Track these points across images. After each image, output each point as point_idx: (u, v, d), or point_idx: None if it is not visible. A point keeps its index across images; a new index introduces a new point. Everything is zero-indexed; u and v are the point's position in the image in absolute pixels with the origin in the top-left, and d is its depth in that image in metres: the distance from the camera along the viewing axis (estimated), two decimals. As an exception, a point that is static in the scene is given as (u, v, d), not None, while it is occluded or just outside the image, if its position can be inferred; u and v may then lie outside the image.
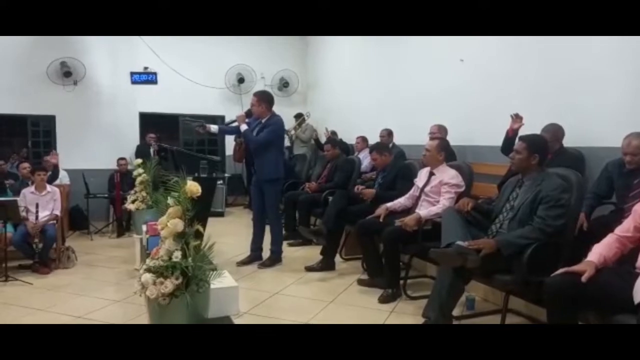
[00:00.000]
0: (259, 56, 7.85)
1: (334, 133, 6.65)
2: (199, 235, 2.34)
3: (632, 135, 2.75)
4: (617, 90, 3.16)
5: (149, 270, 2.27)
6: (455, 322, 2.76)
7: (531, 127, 3.25)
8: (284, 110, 7.69)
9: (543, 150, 2.60)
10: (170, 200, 2.36)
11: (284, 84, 8.02)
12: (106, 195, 6.54)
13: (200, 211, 3.03)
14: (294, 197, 5.02)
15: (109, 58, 7.04)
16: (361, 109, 6.62)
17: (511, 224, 2.53)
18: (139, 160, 4.78)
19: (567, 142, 3.36)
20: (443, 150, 3.33)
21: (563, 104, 3.52)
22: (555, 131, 3.32)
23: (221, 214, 6.91)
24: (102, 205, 6.71)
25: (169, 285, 2.14)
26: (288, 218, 5.13)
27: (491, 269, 2.46)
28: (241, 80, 7.64)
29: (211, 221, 6.29)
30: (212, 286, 2.36)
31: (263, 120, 3.97)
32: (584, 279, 1.89)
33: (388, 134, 5.36)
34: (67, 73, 6.65)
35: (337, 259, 4.13)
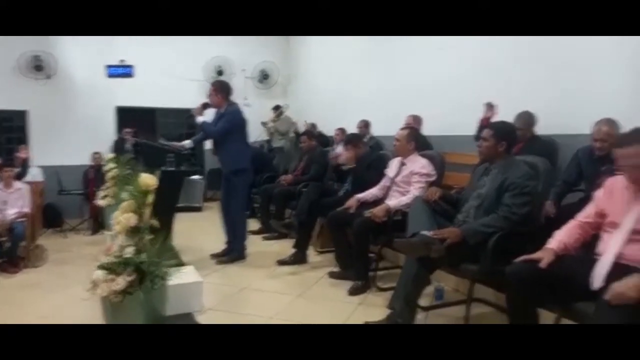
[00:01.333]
0: (239, 48, 7.73)
1: (313, 125, 6.58)
2: (155, 230, 2.27)
3: (601, 122, 2.73)
4: (594, 78, 3.14)
5: (102, 267, 2.20)
6: (422, 313, 2.72)
7: (505, 115, 3.21)
8: (264, 102, 7.67)
9: (510, 138, 2.55)
10: (124, 194, 2.29)
11: (264, 76, 7.91)
12: (81, 192, 6.41)
13: (163, 205, 2.96)
14: (269, 190, 4.95)
15: (83, 51, 6.86)
16: (341, 100, 6.56)
17: (478, 212, 2.48)
18: (111, 155, 4.69)
19: (541, 129, 3.34)
20: (413, 139, 3.27)
21: (537, 92, 3.49)
22: (527, 119, 3.30)
23: (199, 209, 6.82)
24: (77, 202, 6.59)
25: (120, 282, 2.08)
26: (263, 211, 5.06)
27: (457, 259, 2.41)
28: (220, 72, 7.52)
29: (188, 216, 6.29)
30: (173, 282, 2.29)
31: (221, 111, 3.88)
32: (542, 265, 1.86)
33: (365, 125, 5.31)
34: (38, 67, 6.48)
35: (311, 252, 4.08)
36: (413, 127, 3.65)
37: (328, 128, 6.35)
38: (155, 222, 2.19)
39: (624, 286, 1.56)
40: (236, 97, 7.40)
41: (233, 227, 4.02)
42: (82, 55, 6.91)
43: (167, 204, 3.26)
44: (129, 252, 2.07)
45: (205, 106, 3.94)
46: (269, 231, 4.82)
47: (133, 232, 2.15)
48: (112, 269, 2.10)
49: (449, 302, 2.94)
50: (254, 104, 7.69)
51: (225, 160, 3.94)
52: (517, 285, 1.91)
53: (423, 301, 2.86)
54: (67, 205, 6.39)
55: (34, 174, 6.32)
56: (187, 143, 3.96)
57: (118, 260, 2.08)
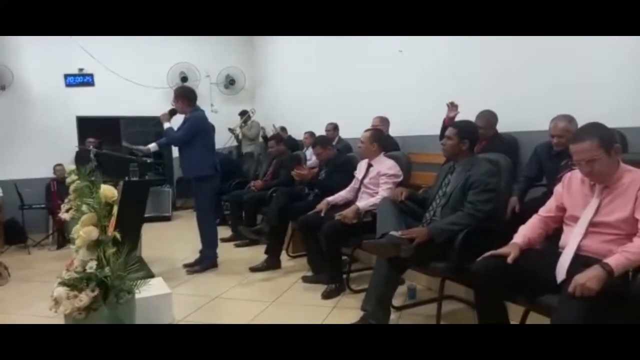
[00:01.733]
0: (203, 54, 7.62)
1: (283, 129, 6.55)
2: (120, 243, 2.20)
3: (558, 118, 2.81)
4: (547, 77, 3.23)
5: (63, 283, 2.12)
6: (395, 313, 2.74)
7: (468, 115, 3.27)
8: (232, 109, 7.59)
9: (473, 136, 2.61)
10: (84, 207, 2.22)
11: (230, 82, 7.83)
12: (43, 206, 6.19)
13: (129, 216, 2.88)
14: (239, 197, 4.90)
15: (39, 60, 6.60)
16: (310, 104, 6.54)
17: (444, 210, 2.52)
18: (72, 166, 4.55)
19: (502, 127, 3.42)
20: (376, 141, 3.30)
21: (497, 91, 3.57)
22: (488, 118, 3.36)
23: (168, 219, 6.70)
24: (40, 217, 6.35)
25: (84, 298, 2.01)
26: (234, 218, 5.00)
27: (426, 257, 2.44)
28: (184, 79, 7.38)
29: (157, 226, 6.17)
30: (141, 294, 2.23)
31: (187, 117, 3.84)
32: (509, 260, 1.89)
33: (334, 128, 5.32)
34: (-10, 78, 6.24)
35: (284, 256, 4.05)
36: (376, 129, 3.66)
37: (297, 132, 6.33)
38: (117, 235, 2.12)
39: (584, 278, 1.61)
40: (203, 104, 7.34)
41: (202, 234, 3.95)
42: (38, 65, 6.64)
43: (132, 215, 3.18)
44: (91, 266, 2.00)
45: (172, 112, 3.87)
46: (241, 238, 4.76)
47: (95, 245, 2.08)
48: (74, 285, 2.03)
49: (422, 300, 2.97)
50: (221, 110, 7.63)
51: (187, 167, 3.90)
52: (483, 281, 1.94)
53: (396, 301, 2.88)
54: (30, 220, 6.13)
55: (-7, 188, 6.08)
56: (152, 146, 3.87)
57: (80, 276, 2.02)
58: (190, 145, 3.75)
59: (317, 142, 4.03)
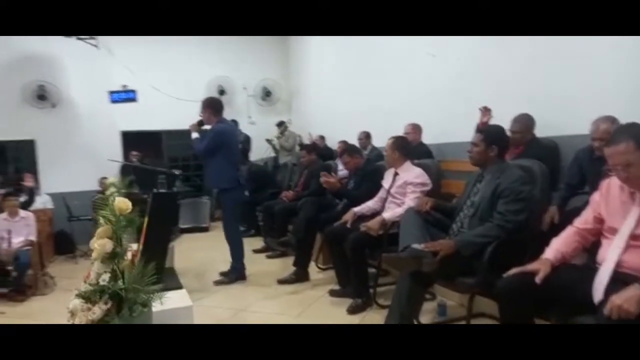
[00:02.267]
0: (239, 66, 7.74)
1: (322, 138, 6.50)
2: (143, 254, 2.19)
3: (600, 119, 2.58)
4: (587, 77, 3.00)
5: (79, 295, 2.14)
6: (421, 331, 2.58)
7: (502, 119, 3.07)
8: (269, 120, 7.64)
9: (501, 141, 2.44)
10: (101, 220, 2.23)
11: (266, 93, 7.90)
12: (90, 218, 6.44)
13: (157, 228, 2.88)
14: (271, 207, 4.87)
15: (84, 78, 6.94)
16: (345, 113, 6.46)
17: (472, 221, 2.36)
18: (112, 179, 4.70)
19: (541, 132, 3.19)
20: (397, 148, 3.17)
21: (533, 94, 3.35)
22: (525, 121, 3.15)
23: (206, 229, 6.79)
24: (88, 228, 6.60)
25: (97, 311, 2.00)
26: (266, 229, 4.97)
27: (452, 272, 2.28)
28: (222, 92, 7.51)
29: (195, 237, 6.25)
30: (159, 308, 2.21)
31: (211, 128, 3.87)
32: (537, 280, 1.71)
33: (366, 136, 5.21)
34: (41, 96, 6.60)
35: (314, 268, 3.96)
36: (400, 136, 3.50)
37: (334, 141, 6.26)
38: (133, 247, 2.11)
39: (621, 299, 1.42)
40: (240, 116, 7.43)
41: (230, 246, 3.95)
42: (83, 83, 6.97)
43: (160, 226, 3.20)
44: (104, 279, 2.01)
45: (200, 123, 3.92)
46: (272, 249, 4.72)
47: (110, 258, 2.08)
48: (88, 297, 2.04)
49: (452, 318, 2.79)
50: (259, 121, 7.71)
51: (208, 179, 3.96)
52: (508, 299, 1.78)
53: (425, 318, 2.73)
54: (79, 231, 6.41)
55: (44, 201, 6.41)
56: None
57: (93, 288, 2.02)
58: (213, 158, 3.77)
59: (345, 151, 3.95)
